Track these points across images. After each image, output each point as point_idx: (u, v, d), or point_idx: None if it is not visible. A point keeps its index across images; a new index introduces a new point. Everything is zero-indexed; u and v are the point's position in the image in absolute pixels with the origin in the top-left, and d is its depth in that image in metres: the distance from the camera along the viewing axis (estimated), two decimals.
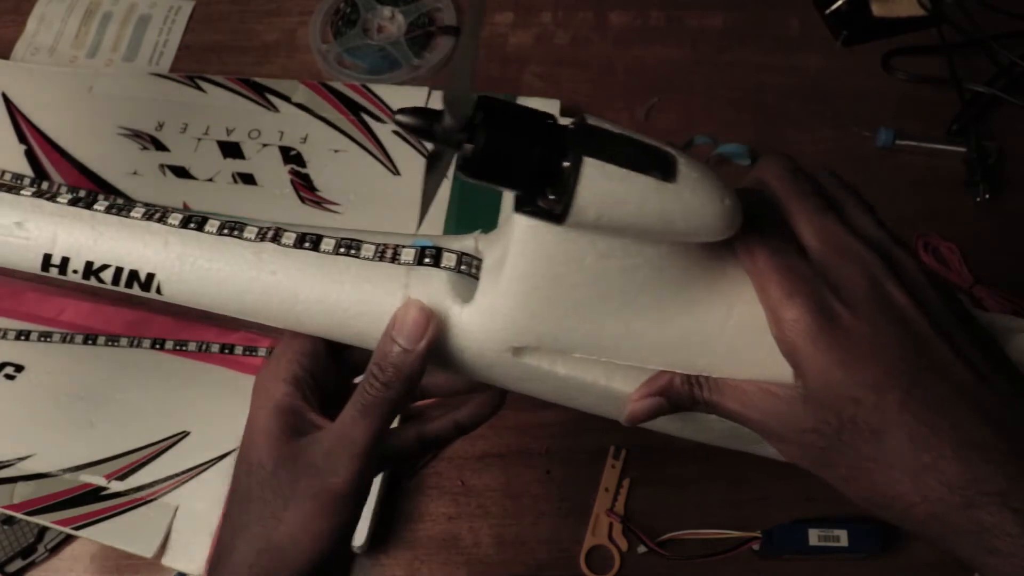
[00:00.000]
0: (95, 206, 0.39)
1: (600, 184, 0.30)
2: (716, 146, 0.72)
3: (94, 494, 0.60)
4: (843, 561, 0.59)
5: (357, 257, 0.38)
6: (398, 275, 0.38)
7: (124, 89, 0.77)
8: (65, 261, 0.39)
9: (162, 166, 0.72)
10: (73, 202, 0.39)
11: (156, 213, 0.39)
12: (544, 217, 0.31)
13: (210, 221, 0.39)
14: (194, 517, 0.59)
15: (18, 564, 0.60)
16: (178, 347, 0.65)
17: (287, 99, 0.75)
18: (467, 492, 0.62)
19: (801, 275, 0.32)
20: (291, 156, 0.72)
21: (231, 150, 0.73)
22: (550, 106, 0.73)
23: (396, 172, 0.71)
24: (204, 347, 0.65)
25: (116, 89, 0.77)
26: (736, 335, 0.35)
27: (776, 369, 0.34)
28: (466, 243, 0.39)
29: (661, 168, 0.31)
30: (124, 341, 0.66)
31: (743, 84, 0.77)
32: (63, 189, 0.40)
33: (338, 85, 0.76)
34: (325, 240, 0.39)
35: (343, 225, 0.68)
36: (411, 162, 0.72)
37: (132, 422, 0.63)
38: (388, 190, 0.70)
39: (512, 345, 0.37)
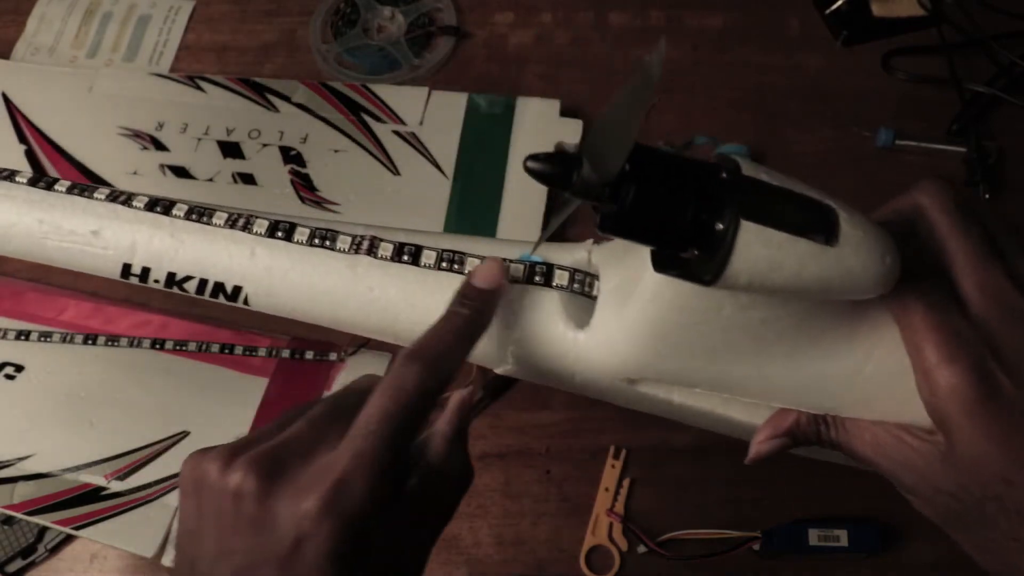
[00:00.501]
0: (174, 211, 0.37)
1: (756, 250, 0.27)
2: (716, 146, 0.72)
3: (94, 494, 0.60)
4: (843, 561, 0.59)
5: (461, 272, 0.35)
6: (508, 295, 0.35)
7: (124, 89, 0.77)
8: (146, 271, 0.37)
9: (162, 166, 0.72)
10: (150, 206, 0.37)
11: (239, 219, 0.37)
12: (689, 279, 0.29)
13: (299, 229, 0.36)
14: None
15: (18, 564, 0.60)
16: (178, 347, 0.65)
17: (287, 99, 0.75)
18: (467, 492, 0.62)
19: (962, 338, 0.30)
20: (291, 156, 0.72)
21: (231, 150, 0.73)
22: (550, 106, 0.73)
23: (396, 172, 0.71)
24: (204, 347, 0.65)
25: (116, 89, 0.77)
26: (872, 381, 0.33)
27: (912, 415, 0.32)
28: (578, 256, 0.36)
29: (823, 229, 0.28)
30: (124, 341, 0.66)
31: (743, 84, 0.77)
32: (139, 194, 0.38)
33: (338, 85, 0.76)
34: (425, 252, 0.36)
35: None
36: (411, 162, 0.72)
37: (132, 422, 0.63)
38: (388, 190, 0.70)
39: (630, 377, 0.35)
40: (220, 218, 0.37)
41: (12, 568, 0.59)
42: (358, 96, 0.75)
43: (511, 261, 0.35)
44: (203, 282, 0.37)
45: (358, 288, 0.36)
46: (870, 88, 0.77)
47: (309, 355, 0.65)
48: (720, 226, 0.27)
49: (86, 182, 0.64)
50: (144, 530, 0.58)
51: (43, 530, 0.60)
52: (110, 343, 0.66)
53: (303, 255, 0.36)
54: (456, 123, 0.73)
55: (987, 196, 0.71)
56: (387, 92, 0.75)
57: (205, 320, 0.67)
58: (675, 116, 0.76)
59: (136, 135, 0.74)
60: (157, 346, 0.66)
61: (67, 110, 0.76)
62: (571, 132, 0.72)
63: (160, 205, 0.37)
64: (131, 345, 0.66)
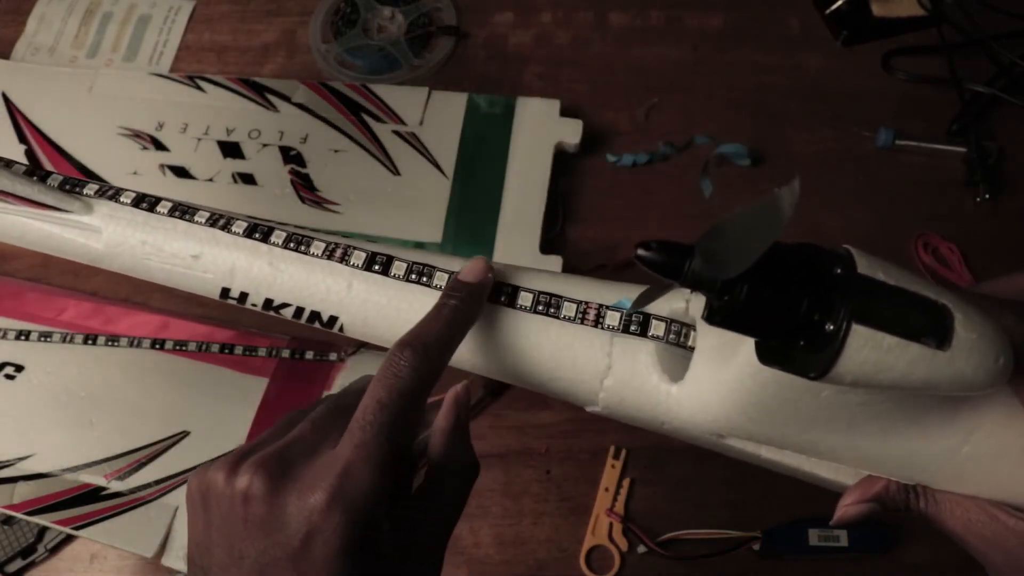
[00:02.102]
0: (272, 238, 0.38)
1: (865, 354, 0.27)
2: (716, 146, 0.73)
3: (94, 494, 0.60)
4: (843, 561, 0.59)
5: (557, 318, 0.35)
6: (602, 343, 0.35)
7: (124, 89, 0.77)
8: (244, 295, 0.38)
9: (162, 166, 0.72)
10: (249, 232, 0.38)
11: (337, 250, 0.37)
12: (793, 372, 0.28)
13: (396, 263, 0.37)
14: None
15: (18, 564, 0.60)
16: (178, 347, 0.65)
17: (287, 99, 0.75)
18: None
19: None
20: (291, 156, 0.72)
21: (231, 150, 0.73)
22: (550, 106, 0.73)
23: (396, 172, 0.71)
24: (204, 347, 0.65)
25: (116, 89, 0.77)
26: (969, 460, 0.32)
27: (1009, 494, 0.32)
28: (676, 305, 0.36)
29: (936, 332, 0.27)
30: (124, 341, 0.66)
31: (743, 84, 0.77)
32: (237, 218, 0.39)
33: (338, 85, 0.76)
34: (522, 294, 0.36)
35: (344, 225, 0.68)
36: (411, 162, 0.72)
37: (132, 422, 0.63)
38: (388, 190, 0.70)
39: (720, 433, 0.35)
40: (318, 248, 0.37)
41: (12, 568, 0.59)
42: (358, 96, 0.75)
43: (608, 307, 0.35)
44: (300, 309, 0.38)
45: None
46: (870, 88, 0.77)
47: (309, 355, 0.65)
48: (831, 327, 0.27)
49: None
50: (144, 530, 0.58)
51: (43, 530, 0.60)
52: (110, 343, 0.66)
53: (399, 290, 0.36)
54: (456, 123, 0.73)
55: (987, 196, 0.71)
56: (387, 92, 0.75)
57: (205, 320, 0.67)
58: (675, 116, 0.76)
59: (136, 135, 0.74)
60: (157, 346, 0.66)
61: (67, 110, 0.76)
62: (571, 132, 0.72)
63: (259, 231, 0.38)
64: (131, 345, 0.66)
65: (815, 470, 0.36)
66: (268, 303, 0.38)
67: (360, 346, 0.65)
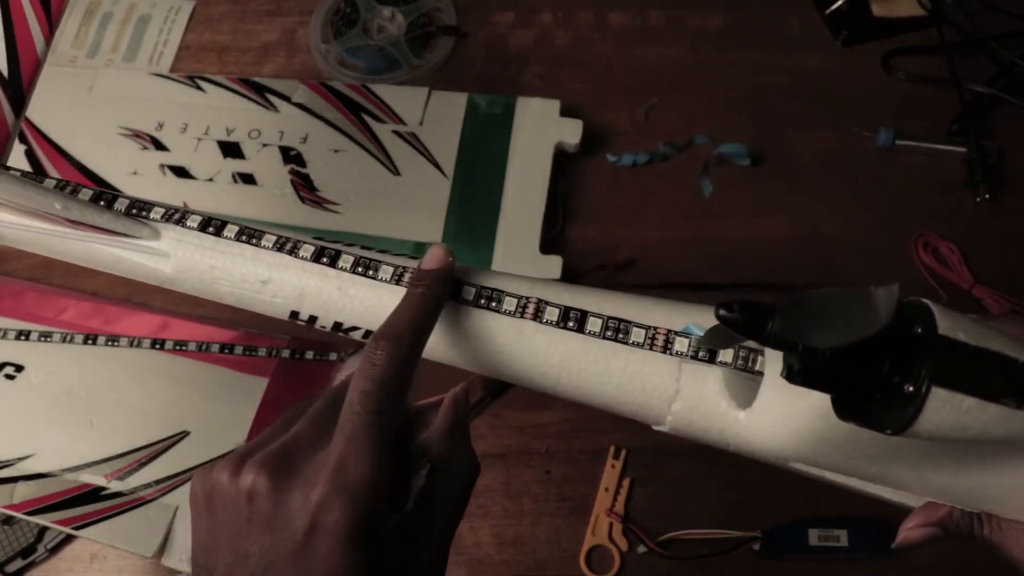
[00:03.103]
0: (339, 263, 0.38)
1: (944, 414, 0.27)
2: (716, 146, 0.73)
3: (94, 494, 0.60)
4: (843, 561, 0.59)
5: (626, 343, 0.36)
6: (670, 368, 0.35)
7: (124, 89, 0.77)
8: (313, 319, 0.39)
9: (162, 166, 0.72)
10: (316, 256, 0.38)
11: (404, 273, 0.38)
12: (870, 428, 0.28)
13: (465, 289, 0.37)
14: None
15: (18, 564, 0.60)
16: (178, 347, 0.66)
17: (287, 99, 0.75)
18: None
19: None
20: (291, 156, 0.72)
21: (231, 150, 0.73)
22: (550, 106, 0.73)
23: (396, 172, 0.71)
24: (204, 347, 0.65)
25: (116, 89, 0.77)
26: None
27: None
28: None
29: (1016, 392, 0.27)
30: (124, 341, 0.66)
31: (743, 84, 0.77)
32: (304, 242, 0.39)
33: (338, 85, 0.76)
34: (591, 320, 0.36)
35: (344, 225, 0.68)
36: (411, 162, 0.72)
37: (132, 422, 0.63)
38: (388, 190, 0.70)
39: (787, 460, 0.35)
40: (386, 272, 0.38)
41: (12, 568, 0.59)
42: (358, 96, 0.75)
43: (676, 333, 0.36)
44: (369, 332, 0.38)
45: (523, 352, 0.37)
46: (870, 88, 0.77)
47: (309, 355, 0.65)
48: (910, 388, 0.27)
49: (86, 182, 0.65)
50: (144, 530, 0.58)
51: (43, 530, 0.60)
52: (110, 343, 0.66)
53: (469, 316, 0.37)
54: (456, 123, 0.73)
55: (987, 196, 0.71)
56: (387, 92, 0.75)
57: (205, 320, 0.67)
58: (675, 116, 0.76)
59: (136, 135, 0.74)
60: (157, 346, 0.66)
61: (67, 110, 0.76)
62: (571, 132, 0.72)
63: (326, 255, 0.38)
64: (131, 345, 0.66)
65: (878, 492, 0.36)
66: (337, 326, 0.39)
67: (360, 346, 0.65)
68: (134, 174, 0.72)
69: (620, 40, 0.80)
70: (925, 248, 0.69)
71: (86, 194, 0.41)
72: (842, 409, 0.29)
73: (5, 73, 0.46)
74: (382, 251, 0.39)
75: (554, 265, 0.66)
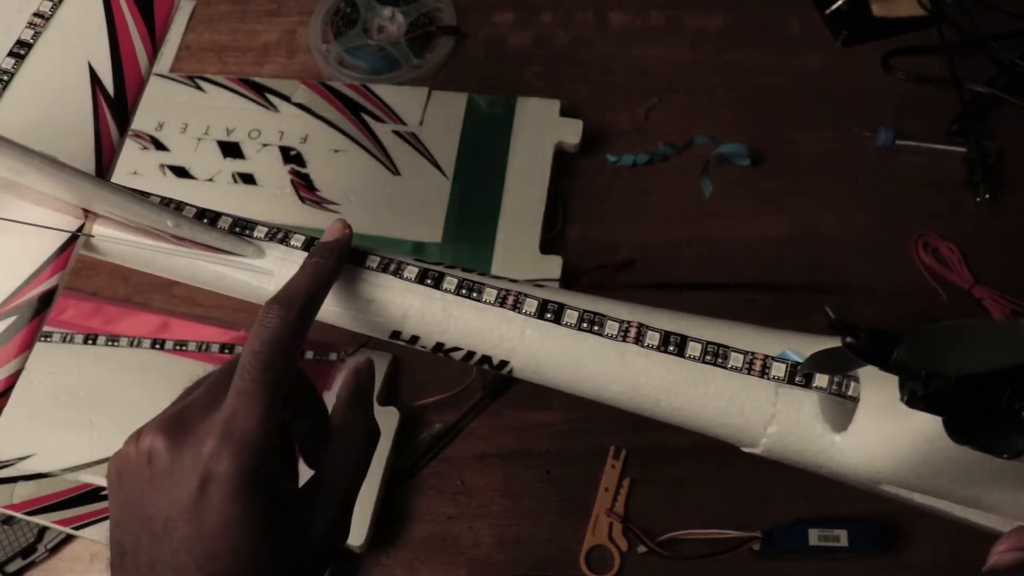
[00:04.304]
0: (444, 285, 0.39)
1: None
2: (716, 146, 0.73)
3: (94, 494, 0.60)
4: (843, 561, 0.59)
5: (724, 367, 0.37)
6: (767, 392, 0.36)
7: None
8: (415, 339, 0.39)
9: (162, 166, 0.72)
10: (420, 278, 0.39)
11: (509, 297, 0.38)
12: (985, 451, 0.29)
13: (567, 312, 0.38)
14: None
15: (18, 564, 0.60)
16: (178, 347, 0.66)
17: (287, 99, 0.75)
18: (467, 492, 0.62)
19: None
20: (291, 156, 0.72)
21: (231, 150, 0.73)
22: (550, 106, 0.73)
23: (396, 172, 0.71)
24: (204, 347, 0.65)
25: None
26: None
27: None
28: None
29: None
30: (124, 341, 0.66)
31: (743, 84, 0.77)
32: (408, 263, 0.40)
33: (338, 85, 0.76)
34: (691, 344, 0.37)
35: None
36: (411, 162, 0.72)
37: (132, 422, 0.62)
38: (388, 190, 0.70)
39: (881, 483, 0.36)
40: (490, 295, 0.38)
41: (12, 568, 0.59)
42: (358, 96, 0.75)
43: (773, 359, 0.37)
44: (471, 354, 0.39)
45: (624, 374, 0.37)
46: (870, 88, 0.77)
47: (309, 355, 0.65)
48: None
49: None
50: None
51: (43, 530, 0.60)
52: (110, 343, 0.66)
53: (572, 339, 0.37)
54: (456, 123, 0.73)
55: (987, 196, 0.71)
56: (387, 92, 0.75)
57: (205, 320, 0.68)
58: (675, 116, 0.76)
59: (136, 135, 0.74)
60: (157, 346, 0.66)
61: None
62: (571, 132, 0.72)
63: (430, 277, 0.39)
64: (131, 345, 0.66)
65: (966, 515, 0.37)
66: (439, 346, 0.39)
67: (361, 346, 0.65)
68: (134, 174, 0.72)
69: (620, 40, 0.80)
70: (925, 248, 0.69)
71: (190, 211, 0.42)
72: (957, 432, 0.30)
73: (112, 92, 0.46)
74: (483, 274, 0.40)
75: (554, 265, 0.66)
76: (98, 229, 0.41)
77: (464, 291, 0.39)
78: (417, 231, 0.68)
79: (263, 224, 0.42)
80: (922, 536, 0.60)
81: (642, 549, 0.59)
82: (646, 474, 0.62)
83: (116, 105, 0.47)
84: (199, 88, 0.76)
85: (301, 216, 0.69)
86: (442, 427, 0.63)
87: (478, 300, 0.38)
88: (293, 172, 0.72)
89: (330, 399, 0.64)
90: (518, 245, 0.67)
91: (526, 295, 0.39)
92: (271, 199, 0.71)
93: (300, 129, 0.74)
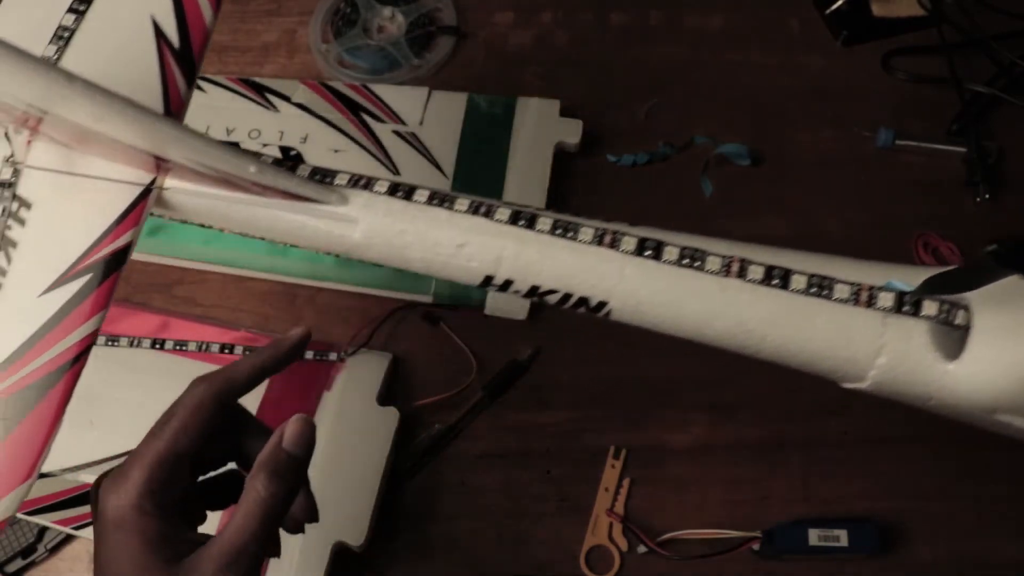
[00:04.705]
0: (538, 225, 0.37)
1: None
2: (716, 146, 0.73)
3: None
4: (843, 561, 0.59)
5: (829, 299, 0.36)
6: (874, 323, 0.35)
7: None
8: (508, 283, 0.38)
9: None
10: (513, 219, 0.37)
11: (606, 235, 0.37)
12: None
13: (667, 248, 0.37)
14: None
15: (18, 564, 0.60)
16: (178, 347, 0.65)
17: (287, 99, 0.75)
18: (467, 492, 0.62)
19: None
20: (291, 156, 0.72)
21: None
22: (550, 106, 0.73)
23: (396, 172, 0.71)
24: (204, 347, 0.65)
25: None
26: None
27: None
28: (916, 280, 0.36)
29: None
30: (124, 341, 0.66)
31: (743, 84, 0.77)
32: (499, 205, 0.38)
33: (338, 85, 0.76)
34: (795, 277, 0.36)
35: None
36: (411, 162, 0.72)
37: (132, 422, 0.62)
38: None
39: (1000, 410, 0.35)
40: (587, 234, 0.37)
41: (12, 568, 0.59)
42: (358, 96, 0.75)
43: (879, 289, 0.36)
44: (567, 296, 0.37)
45: (728, 310, 0.36)
46: (870, 88, 0.77)
47: (309, 355, 0.65)
48: None
49: None
50: None
51: (43, 530, 0.60)
52: (110, 343, 0.66)
53: (673, 276, 0.36)
54: (456, 123, 0.73)
55: (987, 196, 0.71)
56: (387, 92, 0.75)
57: (205, 320, 0.68)
58: (675, 116, 0.76)
59: None
60: (157, 346, 0.66)
61: None
62: (571, 132, 0.72)
63: (523, 218, 0.37)
64: (131, 345, 0.66)
65: None
66: (533, 290, 0.38)
67: (360, 346, 0.65)
68: None
69: (620, 40, 0.80)
70: (925, 248, 0.69)
71: (267, 159, 0.40)
72: None
73: (177, 44, 0.45)
74: (576, 215, 0.38)
75: None
76: (171, 182, 0.40)
77: (560, 231, 0.37)
78: None
79: (343, 171, 0.40)
80: (922, 536, 0.60)
81: (642, 549, 0.59)
82: (646, 474, 0.62)
83: (182, 57, 0.45)
84: (199, 88, 0.76)
85: None
86: (442, 427, 0.63)
87: (574, 240, 0.37)
88: None
89: (330, 399, 0.64)
90: None
91: (624, 233, 0.37)
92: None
93: (300, 129, 0.74)
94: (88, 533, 0.59)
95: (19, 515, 0.59)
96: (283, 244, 0.41)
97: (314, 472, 0.60)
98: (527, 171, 0.70)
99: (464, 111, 0.74)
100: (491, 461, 0.63)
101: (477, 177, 0.71)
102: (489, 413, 0.64)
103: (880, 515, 0.60)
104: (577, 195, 0.72)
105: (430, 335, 0.67)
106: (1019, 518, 0.60)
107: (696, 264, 0.36)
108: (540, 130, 0.72)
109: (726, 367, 0.65)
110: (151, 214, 0.41)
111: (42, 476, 0.60)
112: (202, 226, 0.42)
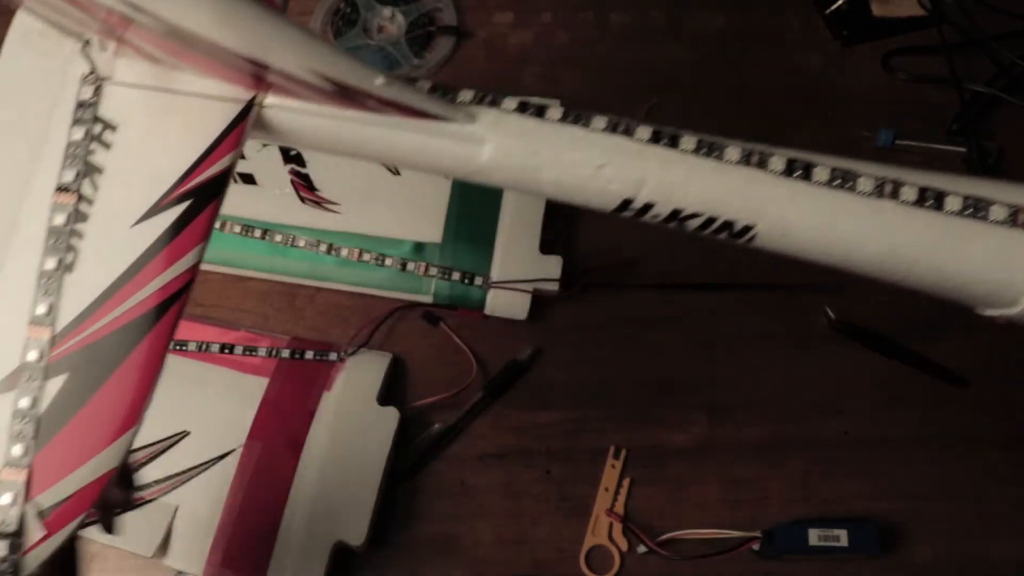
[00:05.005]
0: (681, 144, 0.35)
1: None
2: None
3: None
4: (843, 561, 0.59)
5: (986, 221, 0.34)
6: None
7: None
8: (647, 207, 0.36)
9: None
10: (655, 138, 0.36)
11: (754, 155, 0.35)
12: None
13: (817, 169, 0.35)
14: (194, 517, 0.59)
15: None
16: (178, 347, 0.65)
17: None
18: (467, 492, 0.62)
19: None
20: (291, 156, 0.72)
21: None
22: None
23: (396, 172, 0.71)
24: (204, 347, 0.65)
25: None
26: None
27: None
28: None
29: None
30: None
31: (743, 84, 0.77)
32: (638, 123, 0.37)
33: None
34: (950, 199, 0.34)
35: (344, 225, 0.68)
36: None
37: None
38: (388, 190, 0.70)
39: None
40: (733, 154, 0.35)
41: None
42: None
43: None
44: (710, 220, 0.35)
45: (881, 233, 0.35)
46: (870, 88, 0.77)
47: (309, 355, 0.65)
48: None
49: None
50: (144, 530, 0.58)
51: None
52: None
53: (824, 197, 0.35)
54: None
55: None
56: None
57: (205, 320, 0.67)
58: (675, 116, 0.75)
59: None
60: None
61: None
62: None
63: (664, 137, 0.36)
64: None
65: None
66: (674, 214, 0.36)
67: (360, 346, 0.65)
68: None
69: (620, 40, 0.80)
70: None
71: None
72: None
73: None
74: (714, 133, 0.37)
75: (554, 265, 0.66)
76: (273, 99, 0.36)
77: (704, 151, 0.36)
78: (417, 231, 0.68)
79: (467, 88, 0.37)
80: (922, 536, 0.60)
81: (642, 549, 0.59)
82: (646, 474, 0.62)
83: None
84: None
85: (301, 216, 0.69)
86: (442, 427, 0.63)
87: (720, 160, 0.35)
88: (293, 172, 0.72)
89: (330, 399, 0.64)
90: (518, 245, 0.67)
91: (770, 153, 0.36)
92: (271, 199, 0.70)
93: None
94: (88, 533, 0.58)
95: None
96: (400, 167, 0.38)
97: (314, 472, 0.60)
98: None
99: None
100: (491, 461, 0.63)
101: None
102: (489, 413, 0.64)
103: (880, 515, 0.60)
104: None
105: (430, 335, 0.67)
106: (1019, 518, 0.60)
107: (848, 185, 0.35)
108: None
109: (726, 367, 0.66)
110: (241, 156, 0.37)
111: None
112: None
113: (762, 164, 0.35)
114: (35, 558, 0.35)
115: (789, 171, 0.35)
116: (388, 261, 0.67)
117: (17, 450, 0.34)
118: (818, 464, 0.62)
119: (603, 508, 0.60)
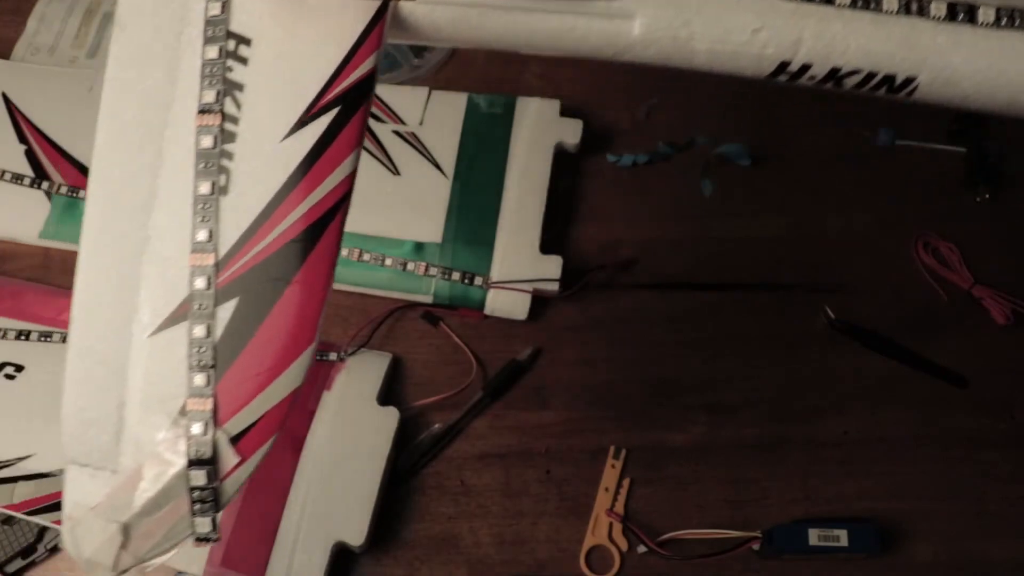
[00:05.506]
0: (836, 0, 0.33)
1: None
2: (716, 146, 0.73)
3: None
4: (843, 561, 0.59)
5: None
6: None
7: None
8: (804, 69, 0.35)
9: None
10: None
11: (913, 3, 0.34)
12: None
13: (982, 10, 0.33)
14: None
15: (18, 564, 0.60)
16: None
17: None
18: (467, 492, 0.62)
19: None
20: None
21: None
22: (550, 106, 0.73)
23: (396, 172, 0.71)
24: None
25: None
26: None
27: None
28: None
29: None
30: None
31: (743, 84, 0.77)
32: None
33: None
34: None
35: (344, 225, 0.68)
36: (411, 162, 0.72)
37: None
38: (388, 190, 0.70)
39: None
40: (891, 3, 0.34)
41: (12, 568, 0.59)
42: None
43: None
44: (870, 76, 0.34)
45: None
46: None
47: None
48: None
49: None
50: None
51: (43, 530, 0.60)
52: None
53: (991, 38, 0.33)
54: (456, 123, 0.73)
55: (987, 196, 0.71)
56: (387, 92, 0.75)
57: None
58: (675, 116, 0.75)
59: None
60: None
61: (67, 110, 0.76)
62: (571, 132, 0.72)
63: None
64: None
65: None
66: (832, 73, 0.35)
67: (360, 346, 0.65)
68: None
69: None
70: (925, 248, 0.69)
71: None
72: None
73: None
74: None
75: (554, 265, 0.66)
76: None
77: (861, 3, 0.34)
78: (417, 231, 0.68)
79: None
80: (922, 536, 0.60)
81: (642, 549, 0.59)
82: (646, 474, 0.62)
83: None
84: None
85: None
86: (442, 427, 0.63)
87: (878, 11, 0.34)
88: None
89: (330, 399, 0.64)
90: (518, 245, 0.67)
91: None
92: None
93: None
94: None
95: (19, 515, 0.59)
96: (545, 52, 0.36)
97: (314, 472, 0.60)
98: (527, 171, 0.70)
99: (464, 111, 0.74)
100: (491, 461, 0.63)
101: (477, 177, 0.71)
102: (489, 413, 0.64)
103: (880, 515, 0.60)
104: (577, 195, 0.72)
105: (430, 335, 0.67)
106: (1019, 518, 0.60)
107: (1018, 24, 0.33)
108: (540, 130, 0.72)
109: (726, 367, 0.66)
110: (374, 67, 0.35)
111: (41, 476, 0.60)
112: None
113: (922, 11, 0.34)
114: (233, 483, 0.35)
115: (952, 15, 0.33)
116: (388, 261, 0.67)
117: (199, 379, 0.34)
118: (818, 464, 0.62)
119: (603, 508, 0.60)
